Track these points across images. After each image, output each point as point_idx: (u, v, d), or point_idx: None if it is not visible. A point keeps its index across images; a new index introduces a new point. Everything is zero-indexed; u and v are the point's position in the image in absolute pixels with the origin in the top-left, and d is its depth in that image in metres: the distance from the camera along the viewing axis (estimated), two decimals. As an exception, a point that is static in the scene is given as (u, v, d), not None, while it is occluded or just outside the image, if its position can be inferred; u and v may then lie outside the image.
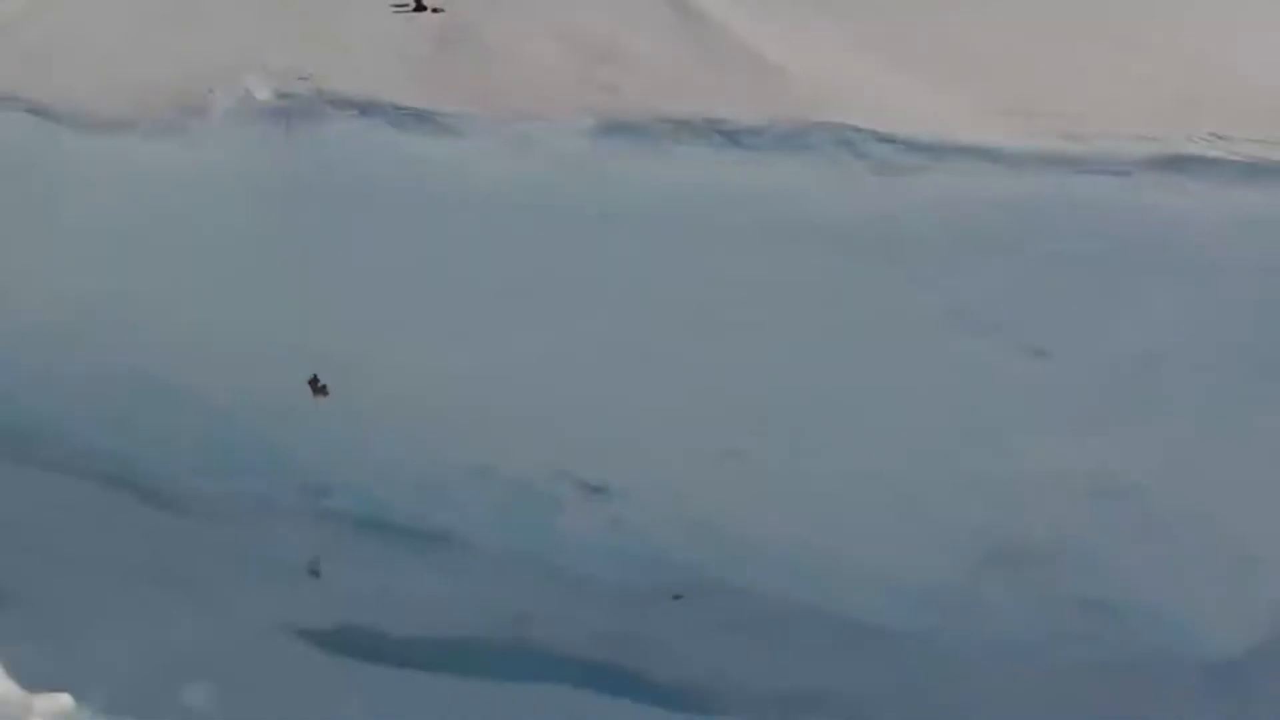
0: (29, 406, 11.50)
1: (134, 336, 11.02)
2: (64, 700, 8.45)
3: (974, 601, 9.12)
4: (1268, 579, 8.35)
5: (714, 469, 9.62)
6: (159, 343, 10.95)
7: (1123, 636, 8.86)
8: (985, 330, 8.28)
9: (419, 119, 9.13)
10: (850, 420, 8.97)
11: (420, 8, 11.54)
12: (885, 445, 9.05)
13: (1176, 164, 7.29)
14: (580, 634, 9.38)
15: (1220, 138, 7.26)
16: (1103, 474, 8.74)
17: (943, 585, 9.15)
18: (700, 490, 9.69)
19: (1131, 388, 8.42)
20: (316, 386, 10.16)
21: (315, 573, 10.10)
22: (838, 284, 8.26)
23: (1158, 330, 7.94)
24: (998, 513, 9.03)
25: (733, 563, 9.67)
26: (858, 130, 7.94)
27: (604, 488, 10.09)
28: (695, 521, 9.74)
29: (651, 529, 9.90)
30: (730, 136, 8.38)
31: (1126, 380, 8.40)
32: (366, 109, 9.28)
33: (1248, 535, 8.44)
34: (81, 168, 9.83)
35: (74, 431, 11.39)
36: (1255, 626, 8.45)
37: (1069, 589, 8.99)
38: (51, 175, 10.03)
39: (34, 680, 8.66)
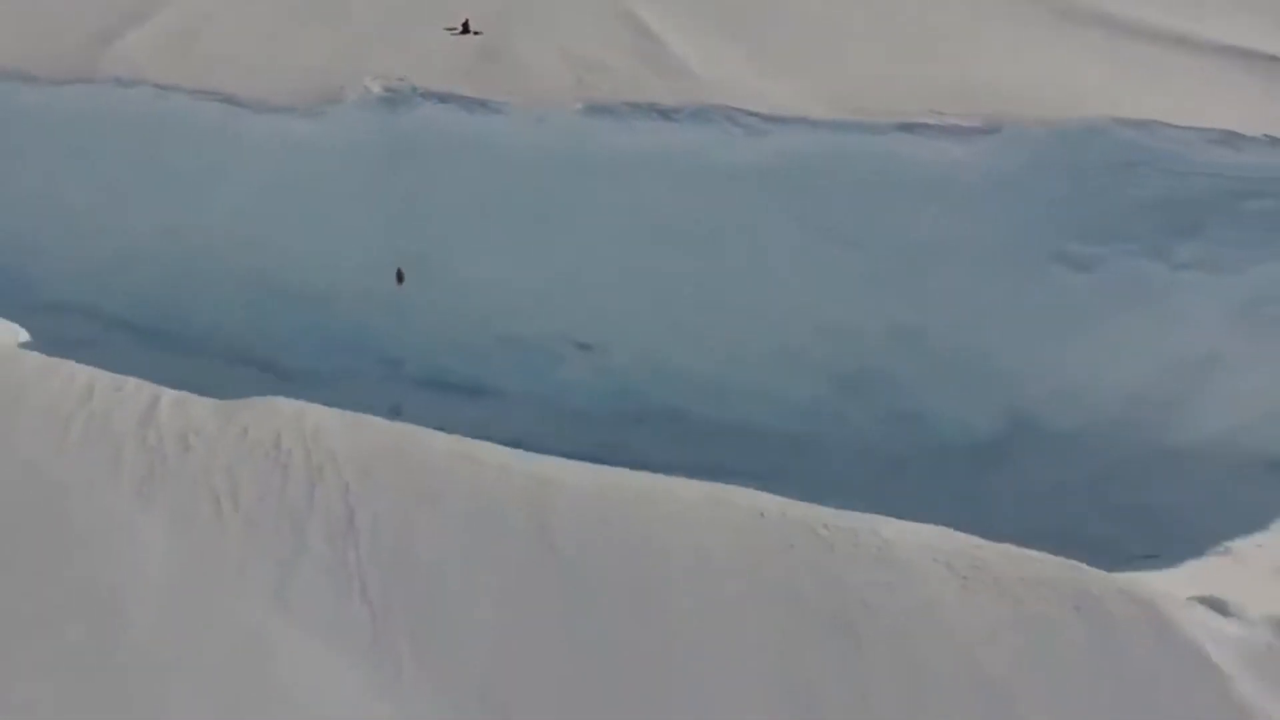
0: (188, 311, 14.91)
1: (271, 255, 14.60)
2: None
3: (831, 412, 12.67)
4: (1004, 390, 12.09)
5: (665, 331, 13.11)
6: (289, 259, 14.54)
7: (925, 434, 12.32)
8: (819, 231, 12.10)
9: (476, 104, 12.82)
10: (744, 292, 12.67)
11: (466, 31, 15.27)
12: (768, 309, 12.70)
13: (911, 128, 11.24)
14: (577, 445, 11.58)
15: (938, 113, 11.27)
16: (902, 323, 12.44)
17: (811, 402, 12.71)
18: (656, 346, 13.19)
19: (915, 264, 12.04)
20: (400, 277, 13.81)
21: (397, 414, 12.85)
22: (728, 205, 12.21)
23: (923, 225, 11.81)
24: (841, 353, 12.66)
25: (678, 394, 13.08)
26: (735, 109, 11.79)
27: (591, 346, 13.52)
28: (653, 367, 13.21)
29: (624, 374, 13.33)
30: (664, 114, 12.14)
31: (910, 259, 12.05)
32: (443, 98, 12.98)
33: (993, 362, 12.11)
34: (255, 138, 13.73)
35: (218, 325, 14.82)
36: (999, 420, 12.15)
37: (890, 403, 12.53)
38: (233, 143, 13.91)
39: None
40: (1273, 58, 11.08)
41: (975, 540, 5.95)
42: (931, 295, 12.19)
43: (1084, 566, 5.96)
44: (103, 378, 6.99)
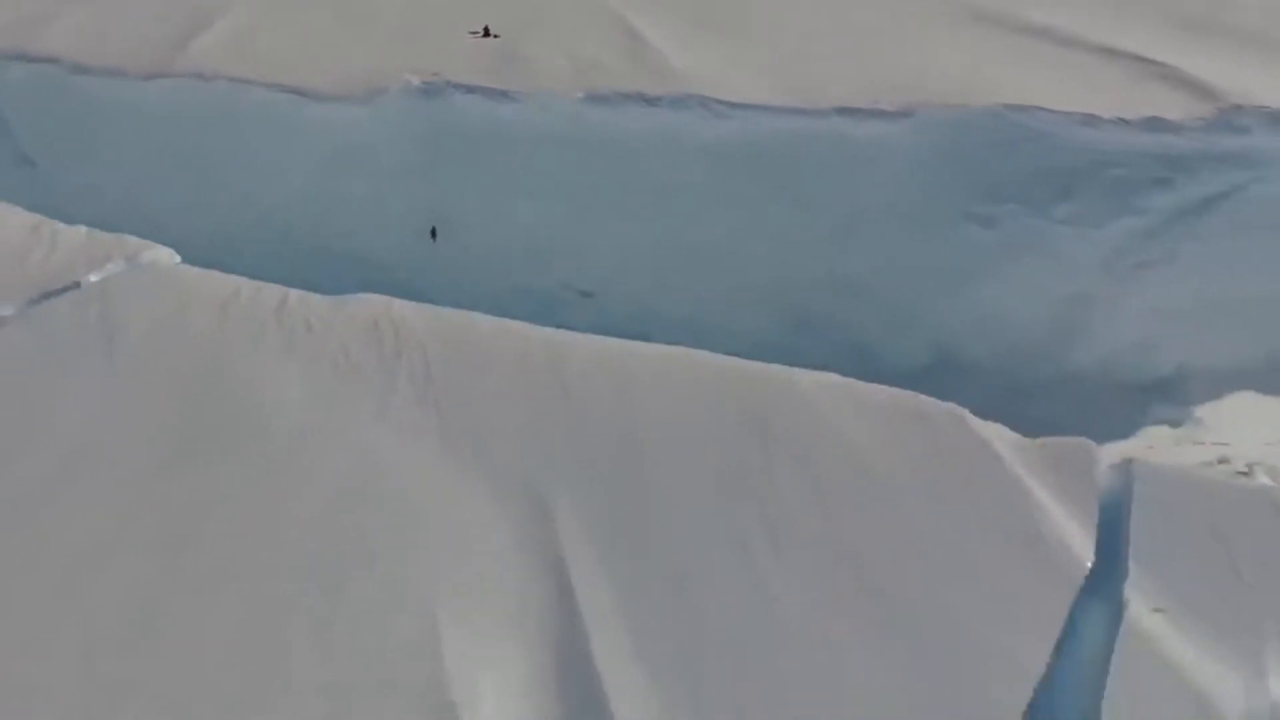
0: (256, 272, 17.53)
1: (328, 222, 17.01)
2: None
3: (788, 345, 13.66)
4: (929, 326, 14.78)
5: (651, 279, 15.57)
6: (342, 225, 16.96)
7: (867, 363, 13.64)
8: (777, 197, 14.68)
9: (498, 94, 15.44)
10: (716, 247, 15.30)
11: (486, 35, 17.89)
12: (735, 261, 15.25)
13: (848, 112, 13.80)
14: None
15: (869, 99, 14.28)
16: (845, 272, 15.10)
17: (771, 337, 14.45)
18: (644, 292, 15.52)
19: (854, 223, 14.77)
20: (434, 234, 16.41)
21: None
22: (702, 176, 14.85)
23: (860, 191, 14.59)
24: (796, 297, 15.24)
25: (662, 332, 14.20)
26: (708, 98, 14.36)
27: (592, 293, 15.93)
28: (642, 310, 15.15)
29: (618, 316, 14.93)
30: (649, 101, 14.70)
31: (851, 219, 14.77)
32: (470, 89, 15.59)
33: (919, 303, 14.79)
34: (317, 123, 16.33)
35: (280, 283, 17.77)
36: (925, 351, 14.79)
37: (838, 337, 14.80)
38: (298, 128, 16.54)
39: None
40: (1136, 56, 13.97)
41: (870, 384, 8.74)
42: (869, 248, 14.98)
43: (938, 401, 8.65)
44: (246, 282, 9.89)
